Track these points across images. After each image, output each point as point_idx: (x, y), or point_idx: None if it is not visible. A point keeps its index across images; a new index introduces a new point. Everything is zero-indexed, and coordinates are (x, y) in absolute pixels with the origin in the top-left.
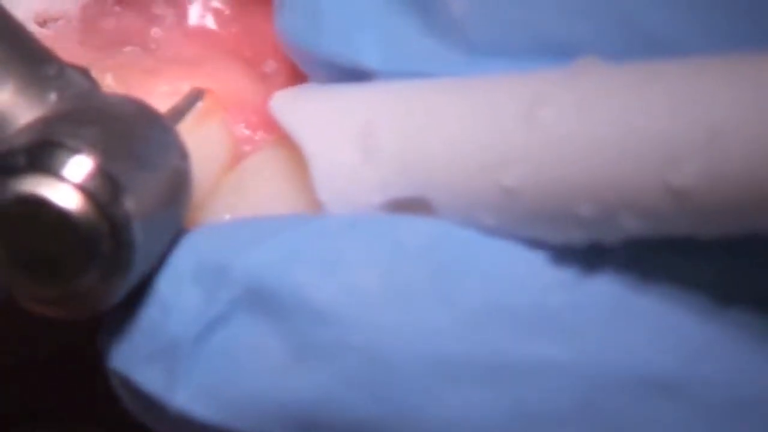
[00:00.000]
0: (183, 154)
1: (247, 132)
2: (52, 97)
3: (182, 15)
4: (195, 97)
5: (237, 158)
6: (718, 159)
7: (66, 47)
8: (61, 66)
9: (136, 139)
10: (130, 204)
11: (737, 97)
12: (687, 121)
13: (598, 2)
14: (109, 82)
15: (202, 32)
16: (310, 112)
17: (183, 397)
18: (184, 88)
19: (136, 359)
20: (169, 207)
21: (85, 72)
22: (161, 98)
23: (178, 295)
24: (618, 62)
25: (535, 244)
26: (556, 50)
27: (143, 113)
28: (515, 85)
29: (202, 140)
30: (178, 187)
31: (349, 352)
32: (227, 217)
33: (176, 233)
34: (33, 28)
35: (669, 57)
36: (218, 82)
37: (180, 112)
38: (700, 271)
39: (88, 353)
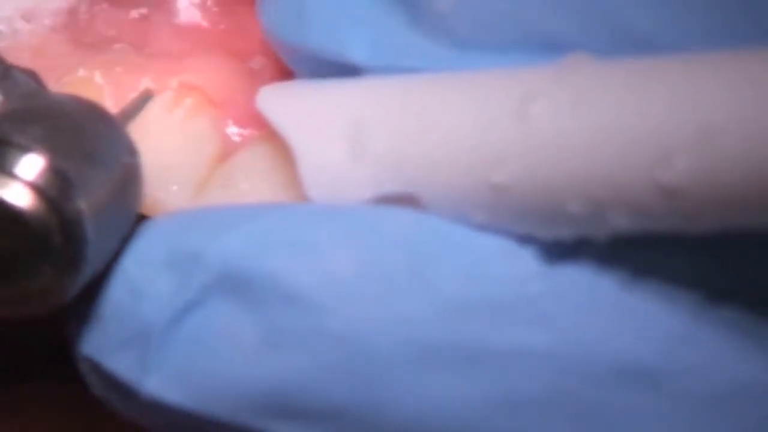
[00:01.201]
0: (132, 151)
1: (235, 128)
2: None
3: (170, 12)
4: (146, 96)
5: (225, 154)
6: (709, 156)
7: (54, 44)
8: (6, 66)
9: (85, 137)
10: (81, 201)
11: (728, 94)
12: (677, 118)
13: None
14: (98, 79)
15: (190, 29)
16: (298, 109)
17: (155, 382)
18: (173, 84)
19: (107, 345)
20: (120, 203)
21: (30, 72)
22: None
23: (149, 280)
24: (605, 58)
25: (523, 238)
26: (543, 45)
27: (92, 111)
28: (506, 82)
29: (190, 136)
30: (128, 183)
31: (323, 338)
32: None
33: (127, 230)
34: (20, 25)
35: (653, 53)
36: (206, 79)
37: (130, 111)
38: (682, 265)
39: None
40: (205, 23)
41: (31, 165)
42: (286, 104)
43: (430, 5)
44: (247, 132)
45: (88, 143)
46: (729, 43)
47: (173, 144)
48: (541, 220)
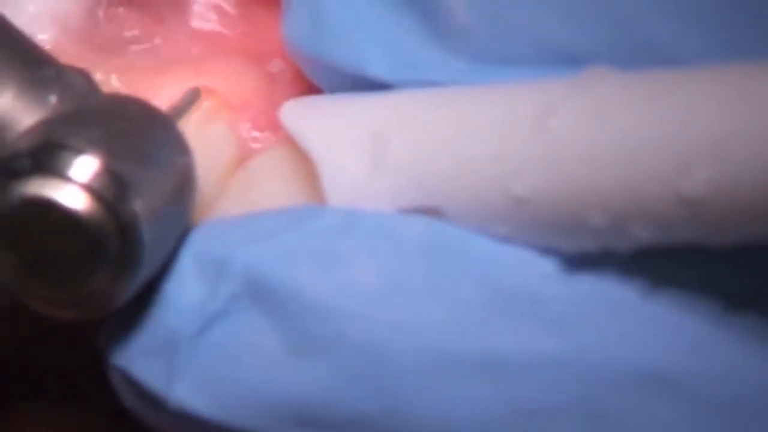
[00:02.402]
0: (187, 152)
1: (253, 132)
2: (53, 99)
3: (187, 15)
4: (194, 95)
5: (243, 158)
6: (729, 168)
7: (70, 48)
8: (60, 68)
9: (140, 138)
10: (137, 203)
11: (747, 105)
12: (697, 130)
13: (602, 11)
14: (114, 83)
15: (207, 32)
16: (321, 122)
17: (182, 391)
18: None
19: (136, 354)
20: (176, 205)
21: (83, 73)
22: (166, 99)
23: (178, 289)
24: (624, 71)
25: (545, 250)
26: (561, 58)
27: (145, 112)
28: (526, 95)
29: (208, 141)
30: (183, 184)
31: (347, 346)
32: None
33: (183, 231)
34: (36, 28)
35: (672, 66)
36: (224, 82)
37: (180, 110)
38: (701, 273)
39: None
40: (222, 26)
41: (86, 167)
42: (309, 118)
43: (448, 19)
44: (264, 136)
45: (143, 144)
46: (747, 54)
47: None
48: (563, 233)
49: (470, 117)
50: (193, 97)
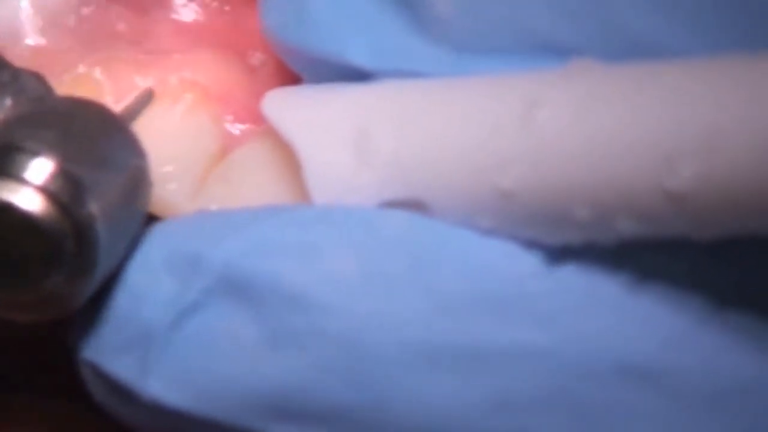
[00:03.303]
0: (141, 154)
1: (234, 124)
2: (7, 101)
3: (169, 8)
4: (147, 96)
5: (225, 150)
6: (715, 161)
7: (54, 41)
8: (15, 71)
9: (95, 140)
10: (93, 205)
11: (733, 99)
12: (683, 124)
13: (585, 1)
14: (97, 76)
15: (189, 25)
16: (304, 114)
17: (156, 384)
18: (172, 80)
19: (109, 349)
20: (130, 206)
21: (38, 76)
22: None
23: (150, 284)
24: (608, 61)
25: (530, 243)
26: (544, 49)
27: (100, 114)
28: (512, 87)
29: (191, 132)
30: (138, 185)
31: (325, 338)
32: (215, 208)
33: (137, 232)
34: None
35: (655, 57)
36: (206, 75)
37: (133, 111)
38: (684, 267)
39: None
40: (204, 19)
41: (42, 169)
42: (292, 109)
43: (430, 9)
44: (246, 128)
45: (98, 147)
46: (732, 46)
47: (173, 140)
48: (548, 226)
49: (456, 110)
50: (146, 99)
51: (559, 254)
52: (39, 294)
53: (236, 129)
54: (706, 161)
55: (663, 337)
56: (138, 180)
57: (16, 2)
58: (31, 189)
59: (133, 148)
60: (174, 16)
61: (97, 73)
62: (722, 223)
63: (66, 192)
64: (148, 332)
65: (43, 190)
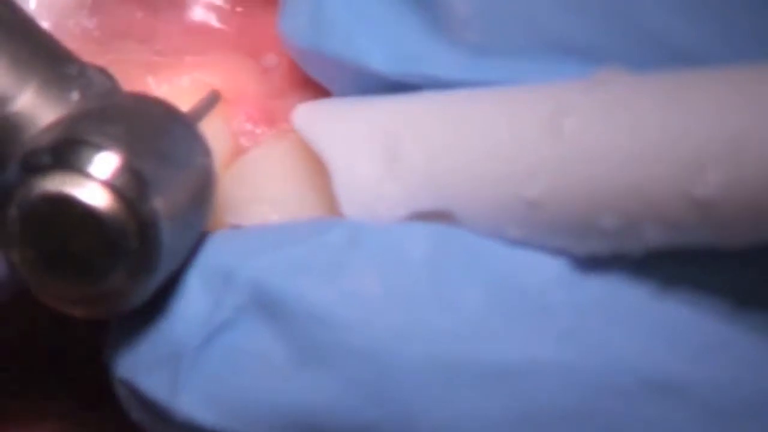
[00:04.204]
0: (207, 153)
1: (247, 126)
2: (75, 96)
3: (182, 8)
4: (214, 97)
5: (238, 152)
6: (742, 170)
7: (64, 41)
8: (82, 65)
9: (161, 137)
10: (157, 201)
11: (759, 107)
12: (710, 132)
13: (604, 3)
14: None
15: (202, 26)
16: (333, 126)
17: (187, 402)
18: (184, 82)
19: (141, 366)
20: (195, 205)
21: (105, 71)
22: (161, 94)
23: (183, 300)
24: (627, 63)
25: (557, 252)
26: (562, 51)
27: (167, 111)
28: (539, 96)
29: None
30: (203, 185)
31: (350, 355)
32: (229, 209)
33: (201, 232)
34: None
35: (677, 59)
36: (218, 76)
37: (200, 111)
38: (711, 275)
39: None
40: (216, 21)
41: (107, 164)
42: (321, 121)
43: (448, 13)
44: (259, 130)
45: (165, 144)
46: (759, 51)
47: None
48: (575, 235)
49: (483, 120)
50: (213, 99)
51: (586, 265)
52: (99, 290)
53: (248, 130)
54: (733, 169)
55: (689, 350)
56: (204, 179)
57: (25, 3)
58: (95, 183)
59: (199, 146)
60: (186, 17)
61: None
62: (749, 231)
63: (130, 187)
64: (179, 350)
65: (108, 184)
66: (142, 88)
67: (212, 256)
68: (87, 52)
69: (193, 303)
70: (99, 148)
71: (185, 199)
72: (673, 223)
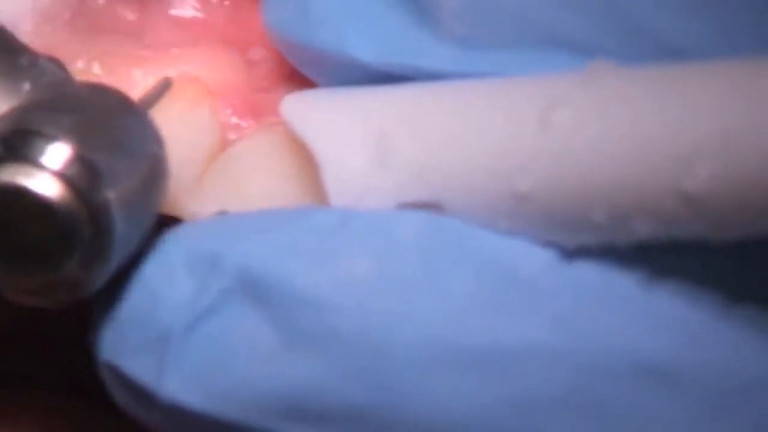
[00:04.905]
0: (159, 141)
1: (234, 119)
2: (26, 86)
3: (169, 2)
4: (166, 84)
5: (225, 145)
6: (732, 164)
7: (52, 36)
8: (34, 56)
9: (113, 127)
10: (109, 190)
11: (750, 102)
12: (701, 126)
13: None
14: (96, 70)
15: (188, 19)
16: (322, 117)
17: (173, 385)
18: (171, 75)
19: (126, 349)
20: (147, 193)
21: (57, 62)
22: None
23: (169, 285)
24: (613, 55)
25: (546, 245)
26: (550, 44)
27: (119, 101)
28: (529, 89)
29: (190, 127)
30: (155, 173)
31: (339, 340)
32: (215, 202)
33: (152, 220)
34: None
35: (667, 53)
36: (205, 69)
37: (151, 99)
38: (701, 265)
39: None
40: (203, 14)
41: (59, 154)
42: (309, 112)
43: (436, 4)
44: (246, 123)
45: (116, 133)
46: (753, 49)
47: (173, 135)
48: (565, 228)
49: (473, 112)
50: (164, 87)
51: (577, 253)
52: (53, 279)
53: (235, 123)
54: (723, 164)
55: (680, 336)
56: (156, 168)
57: None
58: (47, 174)
59: (151, 135)
60: (173, 10)
61: (96, 67)
62: (738, 225)
63: (82, 177)
64: (165, 333)
65: (60, 175)
66: (129, 81)
67: (198, 240)
68: (74, 46)
69: (179, 287)
70: (50, 138)
71: (137, 187)
72: (662, 216)
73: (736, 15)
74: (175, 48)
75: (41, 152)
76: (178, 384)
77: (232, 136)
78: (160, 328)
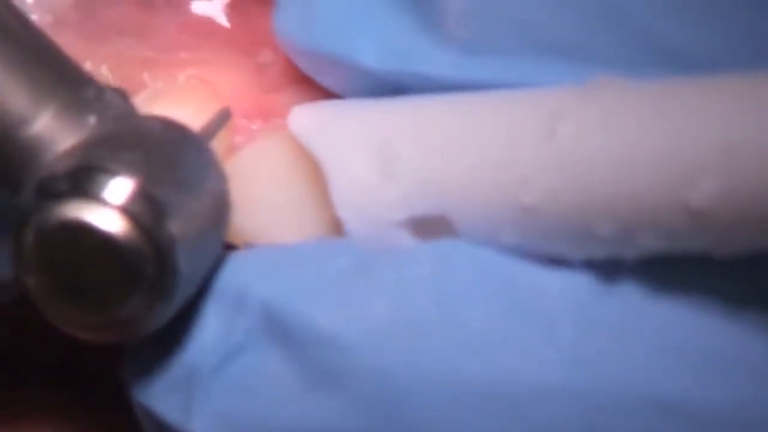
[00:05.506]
0: (222, 177)
1: (243, 122)
2: (92, 120)
3: (178, 4)
4: (225, 115)
5: (233, 148)
6: (737, 178)
7: (60, 37)
8: (100, 88)
9: (177, 162)
10: (174, 227)
11: (754, 116)
12: (705, 140)
13: (595, 3)
14: (105, 73)
15: (198, 22)
16: (329, 129)
17: (200, 425)
18: (181, 78)
19: (157, 389)
20: (211, 230)
21: (122, 93)
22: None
23: (197, 324)
24: (618, 63)
25: (553, 260)
26: (554, 52)
27: (182, 135)
28: (534, 102)
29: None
30: (219, 209)
31: (360, 378)
32: None
33: (218, 257)
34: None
35: (669, 60)
36: (214, 73)
37: (211, 130)
38: (712, 291)
39: None
40: (212, 17)
41: (123, 190)
42: (317, 124)
43: (440, 10)
44: (255, 126)
45: (180, 168)
46: (753, 53)
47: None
48: (570, 241)
49: (479, 124)
50: (224, 117)
51: (588, 287)
52: (114, 317)
53: (244, 127)
54: (727, 178)
55: (696, 368)
56: (219, 204)
57: None
58: (111, 210)
59: (215, 171)
60: (182, 12)
61: (104, 70)
62: (743, 240)
63: (146, 213)
64: (194, 373)
65: (124, 211)
66: (138, 84)
67: (224, 278)
68: (83, 48)
69: (207, 326)
70: (115, 174)
71: (201, 224)
72: (667, 230)
73: (735, 19)
74: (184, 51)
75: (105, 188)
76: (205, 424)
77: (241, 138)
78: (188, 368)
